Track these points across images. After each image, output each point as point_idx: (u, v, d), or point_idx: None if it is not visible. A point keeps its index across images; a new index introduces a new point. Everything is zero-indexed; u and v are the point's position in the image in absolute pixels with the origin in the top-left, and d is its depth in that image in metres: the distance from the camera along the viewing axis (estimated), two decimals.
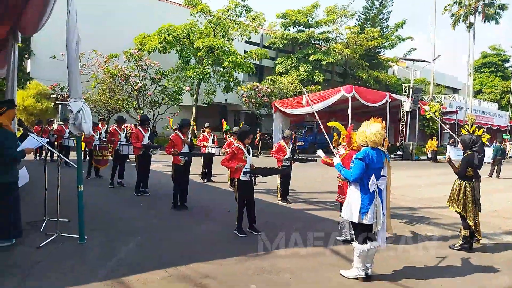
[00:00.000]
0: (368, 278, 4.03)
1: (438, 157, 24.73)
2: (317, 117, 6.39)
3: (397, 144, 26.98)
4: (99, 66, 22.02)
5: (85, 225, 4.87)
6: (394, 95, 26.17)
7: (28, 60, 23.98)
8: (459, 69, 75.25)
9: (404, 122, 26.56)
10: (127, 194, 8.35)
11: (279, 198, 8.33)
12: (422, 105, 25.69)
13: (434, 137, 25.68)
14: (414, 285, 4.00)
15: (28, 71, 23.94)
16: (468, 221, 5.20)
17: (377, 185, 3.99)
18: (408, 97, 26.18)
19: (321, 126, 6.12)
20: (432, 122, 30.40)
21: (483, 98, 50.20)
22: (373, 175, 3.97)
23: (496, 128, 41.25)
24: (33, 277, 3.77)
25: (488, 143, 25.76)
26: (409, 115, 26.36)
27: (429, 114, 27.71)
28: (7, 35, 7.26)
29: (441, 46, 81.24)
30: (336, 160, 4.39)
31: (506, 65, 55.51)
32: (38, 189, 5.88)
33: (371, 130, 4.09)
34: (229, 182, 8.57)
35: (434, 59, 30.02)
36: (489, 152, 18.75)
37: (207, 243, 5.22)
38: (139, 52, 23.10)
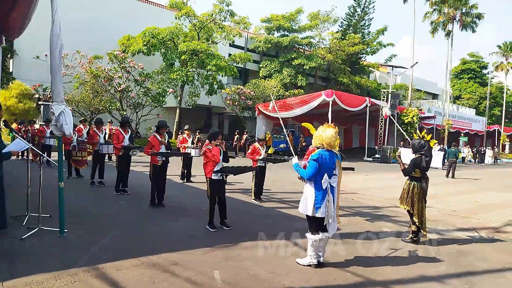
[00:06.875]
0: (320, 265, 4.53)
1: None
2: (282, 123, 6.88)
3: (376, 147, 27.78)
4: (82, 67, 22.19)
5: (65, 220, 5.24)
6: (374, 100, 27.01)
7: (11, 60, 23.93)
8: (439, 75, 77.41)
9: (383, 126, 27.38)
10: (107, 193, 8.68)
11: (253, 197, 8.79)
12: (385, 111, 26.48)
13: None
14: (360, 271, 4.51)
15: (10, 70, 23.89)
16: (414, 218, 5.76)
17: (329, 182, 4.49)
18: (387, 102, 27.03)
19: (285, 132, 6.62)
20: (410, 127, 31.31)
21: (461, 104, 51.72)
22: (326, 174, 4.47)
23: (473, 133, 42.63)
24: (17, 264, 4.14)
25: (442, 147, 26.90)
26: (387, 119, 27.19)
27: (407, 119, 28.62)
28: None
29: (423, 53, 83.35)
30: (294, 160, 4.88)
31: (484, 71, 57.45)
32: (21, 187, 6.20)
33: (327, 133, 4.59)
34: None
35: (412, 66, 31.12)
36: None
37: (179, 236, 5.64)
38: (123, 54, 23.34)
